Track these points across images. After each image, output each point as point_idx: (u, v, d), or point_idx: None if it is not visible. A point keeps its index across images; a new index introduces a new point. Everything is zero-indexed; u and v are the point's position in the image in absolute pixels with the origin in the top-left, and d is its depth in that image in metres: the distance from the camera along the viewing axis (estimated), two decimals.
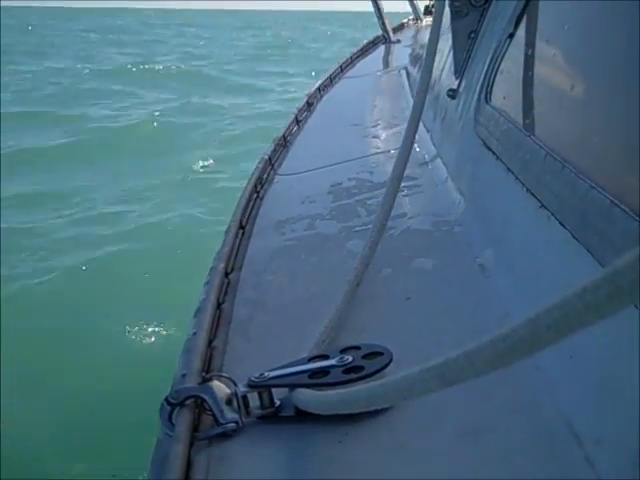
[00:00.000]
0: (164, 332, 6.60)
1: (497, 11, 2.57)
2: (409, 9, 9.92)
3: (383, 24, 8.62)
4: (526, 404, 1.26)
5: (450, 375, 0.82)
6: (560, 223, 1.37)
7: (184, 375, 1.46)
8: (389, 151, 3.27)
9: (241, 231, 2.40)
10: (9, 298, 7.23)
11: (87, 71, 27.55)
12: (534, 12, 2.06)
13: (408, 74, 5.34)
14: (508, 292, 1.61)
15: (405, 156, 2.37)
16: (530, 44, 2.00)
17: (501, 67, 2.22)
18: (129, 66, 30.11)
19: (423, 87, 2.65)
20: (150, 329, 6.69)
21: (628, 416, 0.99)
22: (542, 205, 1.49)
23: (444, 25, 3.08)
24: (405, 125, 2.58)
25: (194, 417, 1.34)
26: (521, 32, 2.13)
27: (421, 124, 3.25)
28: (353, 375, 1.33)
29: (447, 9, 2.89)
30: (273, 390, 1.36)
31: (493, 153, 1.97)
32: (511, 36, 2.20)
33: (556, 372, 1.25)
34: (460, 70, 2.83)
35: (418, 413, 1.27)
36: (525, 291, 1.52)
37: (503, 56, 2.22)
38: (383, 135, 3.77)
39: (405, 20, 10.03)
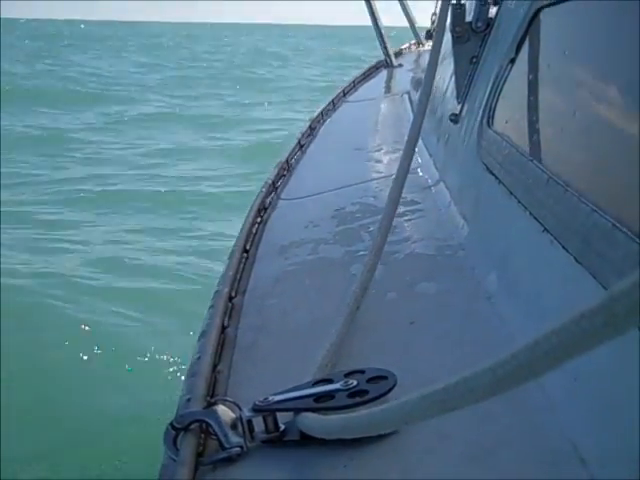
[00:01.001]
0: None
1: (498, 36, 2.59)
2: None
3: (385, 48, 8.62)
4: (531, 425, 1.27)
5: (451, 401, 0.83)
6: (563, 247, 1.38)
7: (189, 399, 1.46)
8: (391, 175, 3.27)
9: (245, 255, 2.41)
10: None
11: None
12: (535, 37, 2.08)
13: (410, 99, 5.36)
14: (512, 316, 1.61)
15: (402, 178, 2.37)
16: (532, 69, 2.02)
17: (503, 92, 2.23)
18: None
19: (421, 110, 2.66)
20: None
21: (632, 437, 1.00)
22: (545, 229, 1.50)
23: (446, 49, 3.10)
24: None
25: (199, 442, 1.35)
26: (523, 57, 2.14)
27: (424, 148, 3.27)
28: (358, 399, 1.33)
29: (448, 34, 2.91)
30: (278, 414, 1.37)
31: (496, 177, 1.98)
32: (512, 61, 2.21)
33: (560, 394, 1.26)
34: (462, 95, 2.84)
35: (422, 436, 1.27)
36: (529, 315, 1.53)
37: (505, 81, 2.23)
38: (385, 159, 3.78)
39: (406, 45, 10.06)
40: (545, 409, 1.28)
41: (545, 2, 1.97)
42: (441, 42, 2.96)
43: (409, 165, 2.47)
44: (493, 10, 2.76)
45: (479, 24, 2.78)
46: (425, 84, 2.79)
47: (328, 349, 1.60)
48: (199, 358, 1.65)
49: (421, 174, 3.05)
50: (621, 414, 1.07)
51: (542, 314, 1.45)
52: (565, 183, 1.44)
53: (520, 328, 1.52)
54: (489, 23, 2.75)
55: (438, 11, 3.42)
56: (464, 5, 2.88)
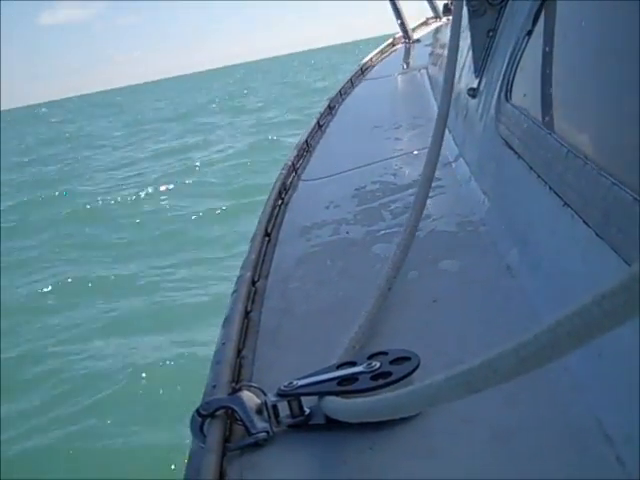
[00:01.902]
0: None
1: (515, 9, 2.56)
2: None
3: (402, 24, 8.58)
4: (555, 405, 1.26)
5: (474, 383, 0.82)
6: (584, 221, 1.36)
7: (214, 386, 1.47)
8: (412, 152, 3.26)
9: (267, 239, 2.41)
10: None
11: None
12: (551, 9, 2.05)
13: (429, 74, 5.33)
14: (534, 292, 1.60)
15: (434, 157, 2.36)
16: (548, 41, 1.99)
17: (520, 65, 2.21)
18: None
19: (447, 87, 2.64)
20: None
21: None
22: (565, 203, 1.49)
23: (464, 23, 3.07)
24: (432, 126, 2.57)
25: (225, 428, 1.35)
26: (539, 29, 2.11)
27: None
28: (381, 381, 1.33)
29: (465, 8, 2.88)
30: (302, 398, 1.37)
31: (515, 152, 1.97)
32: (529, 33, 2.19)
33: (585, 371, 1.25)
34: (480, 69, 2.82)
35: (447, 418, 1.27)
36: (551, 290, 1.52)
37: (522, 54, 2.21)
38: (405, 136, 3.77)
39: (424, 19, 9.98)
40: (569, 387, 1.27)
41: None
42: (460, 17, 2.93)
43: (440, 144, 2.45)
44: None
45: None
46: (448, 60, 2.76)
47: (357, 331, 1.60)
48: (223, 344, 1.65)
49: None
50: None
51: (565, 289, 1.44)
52: (584, 156, 1.42)
53: (543, 303, 1.51)
54: None
55: None
56: None
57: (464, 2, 2.89)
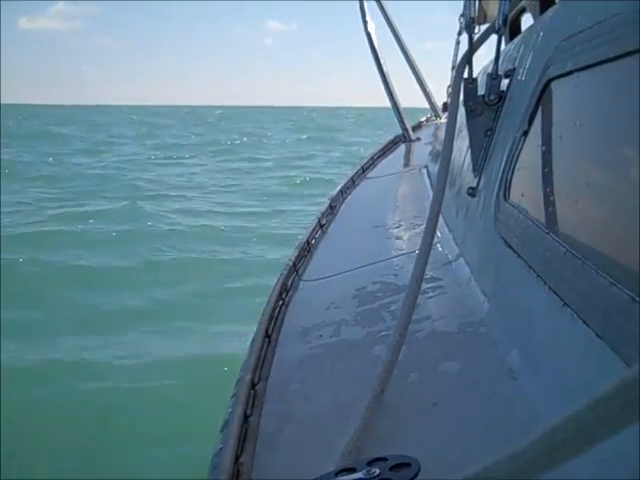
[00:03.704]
0: None
1: (511, 109, 2.60)
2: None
3: (402, 122, 8.73)
4: None
5: None
6: (583, 321, 1.35)
7: None
8: (413, 252, 3.27)
9: (267, 340, 2.40)
10: None
11: None
12: (547, 109, 2.08)
13: (429, 172, 5.38)
14: (536, 394, 1.58)
15: (424, 257, 2.36)
16: (545, 141, 2.01)
17: (518, 164, 2.23)
18: None
19: (440, 188, 2.66)
20: None
21: None
22: (565, 303, 1.48)
23: (462, 123, 3.11)
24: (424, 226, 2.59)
25: None
26: (535, 129, 2.14)
27: (443, 223, 3.26)
28: None
29: (462, 108, 2.93)
30: None
31: (514, 251, 1.97)
32: (525, 133, 2.21)
33: (587, 476, 1.22)
34: (479, 168, 2.85)
35: None
36: (553, 393, 1.49)
37: (519, 153, 2.23)
38: (406, 236, 3.78)
39: (424, 118, 10.16)
40: None
41: (555, 73, 1.98)
42: (456, 117, 2.98)
43: (431, 243, 2.46)
44: (505, 82, 2.78)
45: (491, 97, 2.80)
46: (442, 160, 2.79)
47: (352, 435, 1.58)
48: (221, 449, 1.62)
49: (441, 249, 3.04)
50: None
51: (566, 391, 1.42)
52: (583, 256, 1.42)
53: (545, 406, 1.49)
54: (501, 96, 2.77)
55: (451, 85, 3.46)
56: (476, 79, 2.90)
57: (460, 103, 2.94)
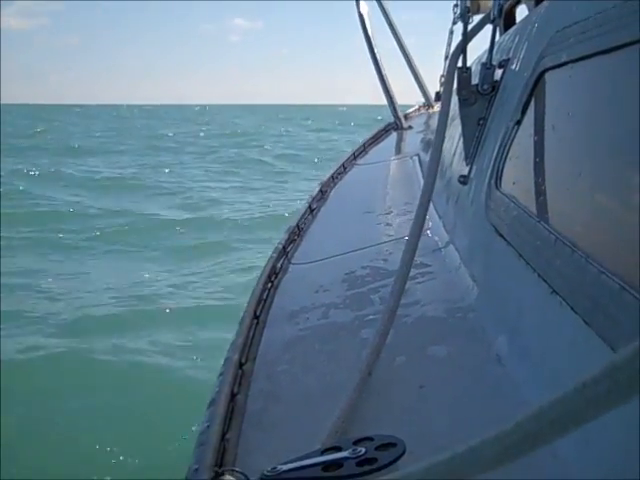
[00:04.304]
0: None
1: (504, 98, 2.61)
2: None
3: (395, 111, 8.71)
4: None
5: (458, 470, 0.81)
6: (572, 308, 1.36)
7: (196, 469, 1.45)
8: (402, 238, 3.27)
9: (255, 321, 2.40)
10: None
11: None
12: (540, 99, 2.09)
13: (420, 161, 5.38)
14: (523, 380, 1.60)
15: (414, 243, 2.38)
16: (537, 130, 2.02)
17: (510, 153, 2.24)
18: None
19: (431, 174, 2.67)
20: None
21: None
22: (553, 291, 1.49)
23: (455, 112, 3.12)
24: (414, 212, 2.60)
25: None
26: (528, 119, 2.15)
27: (433, 210, 3.27)
28: (366, 467, 1.30)
29: (456, 97, 2.93)
30: None
31: (504, 239, 1.98)
32: (519, 123, 2.22)
33: (573, 459, 1.23)
34: (470, 156, 2.86)
35: None
36: (540, 378, 1.51)
37: (511, 142, 2.24)
38: (396, 222, 3.79)
39: (417, 106, 10.14)
40: (558, 475, 1.25)
41: (549, 64, 1.99)
42: (449, 106, 2.99)
43: (421, 229, 2.47)
44: (499, 72, 2.79)
45: (485, 87, 2.81)
46: (434, 148, 2.80)
47: (339, 416, 1.59)
48: (208, 427, 1.63)
49: (431, 236, 3.05)
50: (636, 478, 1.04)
51: (552, 377, 1.43)
52: (573, 244, 1.43)
53: (531, 391, 1.50)
54: (495, 86, 2.78)
55: (445, 74, 3.46)
56: (470, 68, 2.91)
57: (453, 91, 2.95)
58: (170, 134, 52.91)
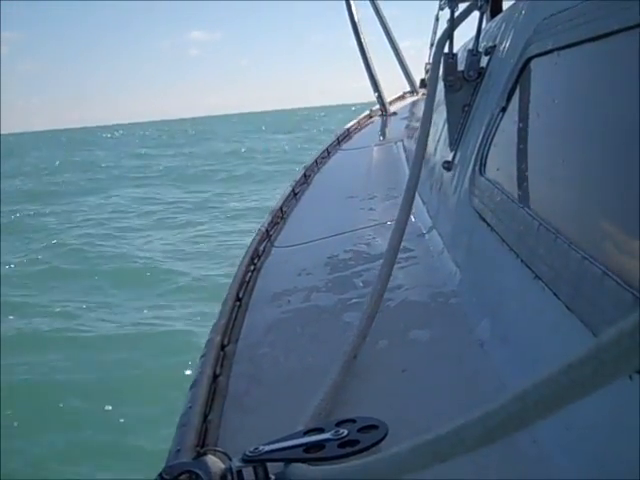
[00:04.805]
0: None
1: (490, 85, 2.61)
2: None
3: (380, 97, 8.73)
4: (524, 477, 1.25)
5: (441, 452, 0.81)
6: (554, 294, 1.37)
7: (178, 450, 1.45)
8: (385, 223, 3.28)
9: (237, 303, 2.41)
10: None
11: None
12: (525, 86, 2.09)
13: (404, 147, 5.39)
14: (504, 364, 1.61)
15: (401, 228, 2.38)
16: (522, 117, 2.03)
17: (494, 140, 2.25)
18: None
19: (418, 159, 2.68)
20: None
21: None
22: (536, 276, 1.50)
23: (440, 98, 3.12)
24: (402, 197, 2.60)
25: None
26: (513, 105, 2.16)
27: (417, 196, 3.28)
28: (348, 449, 1.31)
29: (441, 83, 2.94)
30: (268, 465, 1.35)
31: (488, 224, 1.99)
32: (504, 109, 2.23)
33: (553, 444, 1.24)
34: (455, 142, 2.86)
35: None
36: (521, 363, 1.52)
37: (496, 129, 2.25)
38: (379, 207, 3.80)
39: (401, 93, 10.14)
40: (538, 459, 1.26)
41: (535, 52, 1.99)
42: (435, 91, 2.99)
43: (408, 214, 2.48)
44: (485, 59, 2.79)
45: (471, 73, 2.81)
46: (421, 132, 2.81)
47: (322, 398, 1.59)
48: (190, 407, 1.64)
49: (414, 221, 3.06)
50: (614, 463, 1.05)
51: (534, 362, 1.44)
52: (556, 230, 1.44)
53: (512, 376, 1.51)
54: (480, 72, 2.78)
55: (432, 61, 3.46)
56: (456, 55, 2.91)
57: (439, 77, 2.95)
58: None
